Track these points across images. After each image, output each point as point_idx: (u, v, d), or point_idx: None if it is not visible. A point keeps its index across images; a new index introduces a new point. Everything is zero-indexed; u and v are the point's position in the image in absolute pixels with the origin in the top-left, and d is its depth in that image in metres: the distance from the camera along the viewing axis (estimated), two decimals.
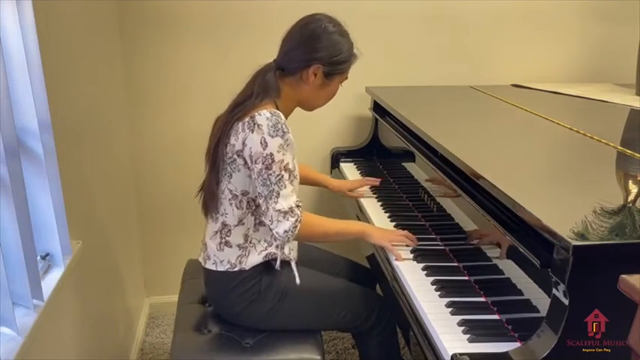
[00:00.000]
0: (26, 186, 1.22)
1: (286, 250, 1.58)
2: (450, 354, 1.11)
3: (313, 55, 1.50)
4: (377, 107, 2.32)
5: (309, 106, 1.63)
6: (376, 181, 2.05)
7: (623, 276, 0.78)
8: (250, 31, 2.34)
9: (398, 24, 2.44)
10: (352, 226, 1.69)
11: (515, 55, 2.56)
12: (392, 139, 2.23)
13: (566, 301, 1.01)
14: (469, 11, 2.47)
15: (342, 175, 2.31)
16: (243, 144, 1.45)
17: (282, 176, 1.43)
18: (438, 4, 2.44)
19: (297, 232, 1.46)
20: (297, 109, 1.64)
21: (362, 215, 1.93)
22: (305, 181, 2.01)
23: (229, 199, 1.52)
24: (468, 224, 1.53)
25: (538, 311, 1.16)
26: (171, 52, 2.34)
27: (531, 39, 2.55)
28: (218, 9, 2.32)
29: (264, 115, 1.43)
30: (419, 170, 1.95)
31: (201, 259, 1.63)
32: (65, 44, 1.59)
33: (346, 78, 1.60)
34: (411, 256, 1.55)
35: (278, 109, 1.49)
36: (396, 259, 1.52)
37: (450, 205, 1.66)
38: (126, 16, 2.27)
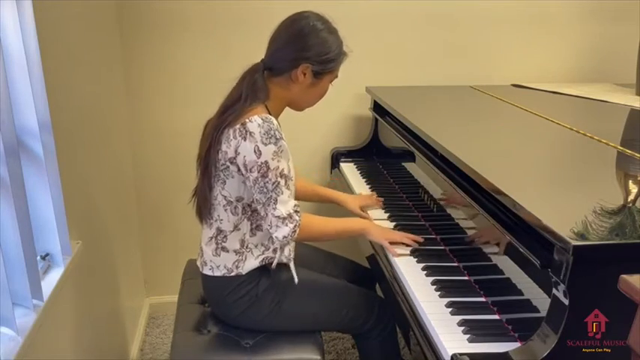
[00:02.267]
0: (26, 186, 1.22)
1: (286, 252, 1.57)
2: (450, 354, 1.11)
3: (302, 54, 1.47)
4: (377, 107, 2.32)
5: (299, 106, 1.60)
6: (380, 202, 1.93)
7: (623, 276, 0.78)
8: (250, 30, 2.33)
9: (398, 24, 2.44)
10: (351, 223, 1.69)
11: (515, 55, 2.56)
12: (392, 139, 2.23)
13: (566, 301, 1.01)
14: (469, 11, 2.47)
15: (342, 175, 2.31)
16: (236, 152, 1.43)
17: (279, 183, 1.42)
18: (438, 4, 2.44)
19: (296, 235, 1.46)
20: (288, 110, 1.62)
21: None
22: (316, 198, 1.95)
23: (224, 205, 1.51)
24: (468, 224, 1.53)
25: (538, 311, 1.16)
26: (171, 52, 2.34)
27: (531, 39, 2.55)
28: (218, 9, 2.32)
29: (255, 122, 1.40)
30: (419, 170, 1.94)
31: (198, 264, 1.62)
32: (65, 44, 1.58)
33: (336, 76, 1.56)
34: (409, 252, 1.56)
35: (268, 111, 1.47)
36: (393, 256, 1.54)
37: (450, 205, 1.66)
38: (126, 16, 2.27)
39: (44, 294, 1.24)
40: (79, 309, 1.59)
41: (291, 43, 1.48)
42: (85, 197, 1.72)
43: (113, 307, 2.08)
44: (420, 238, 1.60)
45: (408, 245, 1.59)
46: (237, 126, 1.42)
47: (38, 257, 1.33)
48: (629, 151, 1.54)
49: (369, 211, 1.89)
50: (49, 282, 1.31)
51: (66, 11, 1.60)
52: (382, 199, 1.95)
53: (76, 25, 1.71)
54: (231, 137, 1.43)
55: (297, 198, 1.56)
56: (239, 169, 1.45)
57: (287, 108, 1.60)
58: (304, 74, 1.49)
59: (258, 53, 1.56)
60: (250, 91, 1.47)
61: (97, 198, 1.87)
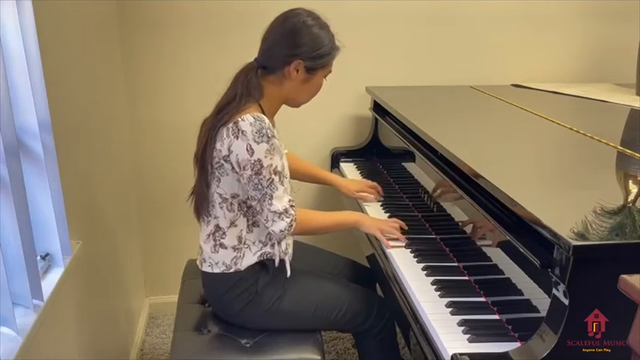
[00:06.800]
0: (26, 186, 1.22)
1: (282, 247, 1.57)
2: (450, 354, 1.11)
3: (294, 50, 1.48)
4: (377, 107, 2.32)
5: (295, 103, 1.60)
6: (379, 195, 1.97)
7: (623, 276, 0.78)
8: (248, 29, 2.32)
9: (398, 24, 2.44)
10: (345, 216, 1.73)
11: (515, 55, 2.56)
12: (392, 139, 2.23)
13: (566, 301, 1.01)
14: (469, 11, 2.46)
15: (342, 175, 2.30)
16: (229, 150, 1.44)
17: (273, 180, 1.44)
18: (437, 4, 2.44)
19: (292, 229, 1.49)
20: (284, 108, 1.62)
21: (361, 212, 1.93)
22: (312, 179, 1.99)
23: (219, 203, 1.52)
24: (468, 224, 1.53)
25: (538, 311, 1.16)
26: (171, 51, 2.34)
27: (531, 39, 2.55)
28: (217, 9, 2.32)
29: (247, 121, 1.42)
30: (419, 170, 1.94)
31: (198, 262, 1.63)
32: (65, 44, 1.58)
33: (330, 71, 1.57)
34: (403, 245, 1.60)
35: (263, 110, 1.49)
36: (387, 248, 1.58)
37: (450, 205, 1.66)
38: (126, 16, 2.27)
39: (44, 294, 1.24)
40: (79, 309, 1.59)
41: (283, 40, 1.49)
42: (85, 197, 1.72)
43: (113, 307, 2.08)
44: (404, 225, 1.68)
45: (398, 240, 1.62)
46: (230, 125, 1.44)
47: (38, 257, 1.33)
48: (629, 151, 1.54)
49: (367, 209, 1.89)
50: (49, 282, 1.31)
51: (66, 11, 1.60)
52: (379, 187, 2.00)
53: (76, 25, 1.71)
54: (225, 136, 1.45)
55: (291, 177, 1.58)
56: (233, 167, 1.47)
57: (284, 106, 1.60)
58: (297, 70, 1.49)
59: (256, 51, 1.56)
60: (245, 91, 1.48)
61: (97, 198, 1.87)
